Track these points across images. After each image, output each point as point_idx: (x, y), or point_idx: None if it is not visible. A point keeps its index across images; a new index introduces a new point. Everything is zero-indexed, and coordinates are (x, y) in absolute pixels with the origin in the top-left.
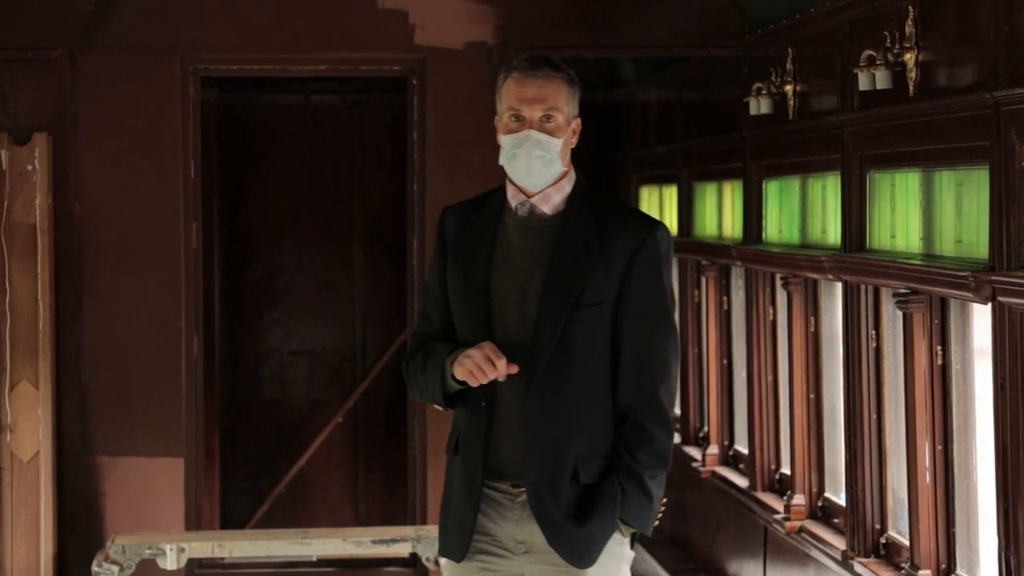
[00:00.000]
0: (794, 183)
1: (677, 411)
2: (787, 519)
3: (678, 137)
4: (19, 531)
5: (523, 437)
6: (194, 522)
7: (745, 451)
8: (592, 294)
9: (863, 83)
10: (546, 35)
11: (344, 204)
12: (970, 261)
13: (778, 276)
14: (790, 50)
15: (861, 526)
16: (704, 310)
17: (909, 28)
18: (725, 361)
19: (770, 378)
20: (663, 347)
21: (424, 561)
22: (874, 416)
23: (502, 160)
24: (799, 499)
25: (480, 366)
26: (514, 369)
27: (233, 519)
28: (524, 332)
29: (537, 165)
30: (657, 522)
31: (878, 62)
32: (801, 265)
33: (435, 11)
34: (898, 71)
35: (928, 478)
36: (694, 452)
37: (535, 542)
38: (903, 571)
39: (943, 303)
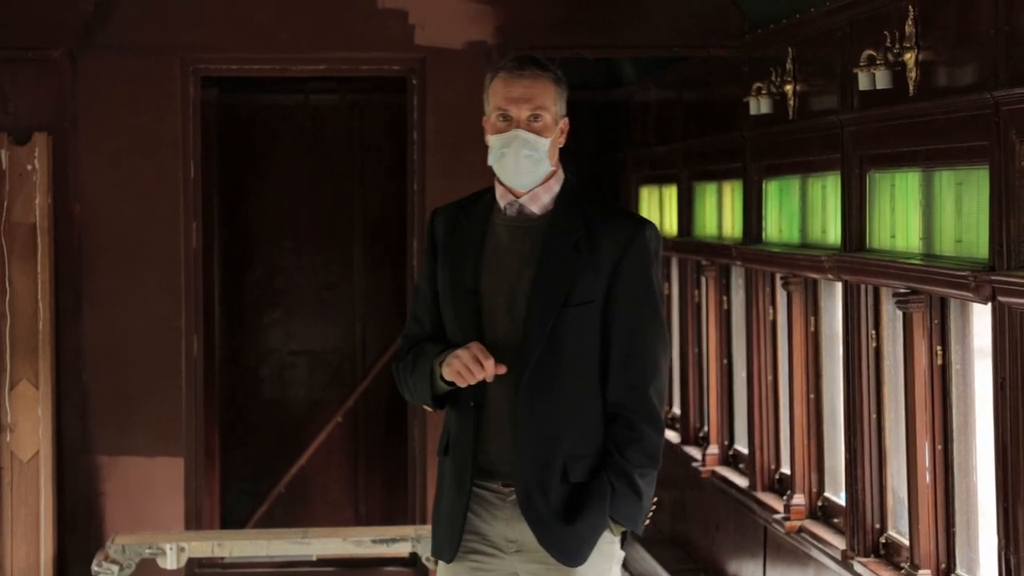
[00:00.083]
0: (794, 183)
1: (677, 411)
2: (787, 519)
3: (678, 137)
4: (19, 531)
5: (513, 437)
6: (194, 522)
7: (745, 451)
8: (581, 293)
9: (863, 83)
10: (546, 35)
11: (344, 204)
12: (970, 261)
13: (778, 276)
14: (790, 50)
15: (861, 526)
16: (704, 310)
17: (909, 28)
18: (725, 361)
19: (770, 378)
20: (652, 346)
21: (424, 561)
22: (874, 416)
23: (490, 160)
24: (799, 499)
25: (468, 366)
26: (502, 369)
27: (233, 519)
28: (513, 332)
29: (525, 165)
30: (648, 521)
31: (878, 62)
32: (801, 265)
33: (435, 11)
34: (898, 71)
35: (928, 478)
36: (694, 452)
37: (526, 541)
38: (903, 571)
39: (943, 303)
